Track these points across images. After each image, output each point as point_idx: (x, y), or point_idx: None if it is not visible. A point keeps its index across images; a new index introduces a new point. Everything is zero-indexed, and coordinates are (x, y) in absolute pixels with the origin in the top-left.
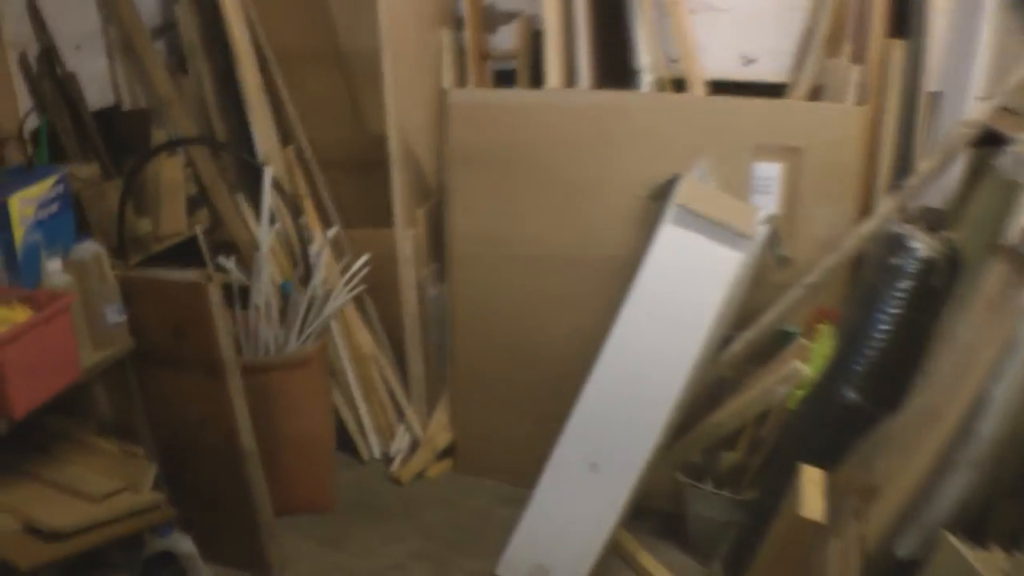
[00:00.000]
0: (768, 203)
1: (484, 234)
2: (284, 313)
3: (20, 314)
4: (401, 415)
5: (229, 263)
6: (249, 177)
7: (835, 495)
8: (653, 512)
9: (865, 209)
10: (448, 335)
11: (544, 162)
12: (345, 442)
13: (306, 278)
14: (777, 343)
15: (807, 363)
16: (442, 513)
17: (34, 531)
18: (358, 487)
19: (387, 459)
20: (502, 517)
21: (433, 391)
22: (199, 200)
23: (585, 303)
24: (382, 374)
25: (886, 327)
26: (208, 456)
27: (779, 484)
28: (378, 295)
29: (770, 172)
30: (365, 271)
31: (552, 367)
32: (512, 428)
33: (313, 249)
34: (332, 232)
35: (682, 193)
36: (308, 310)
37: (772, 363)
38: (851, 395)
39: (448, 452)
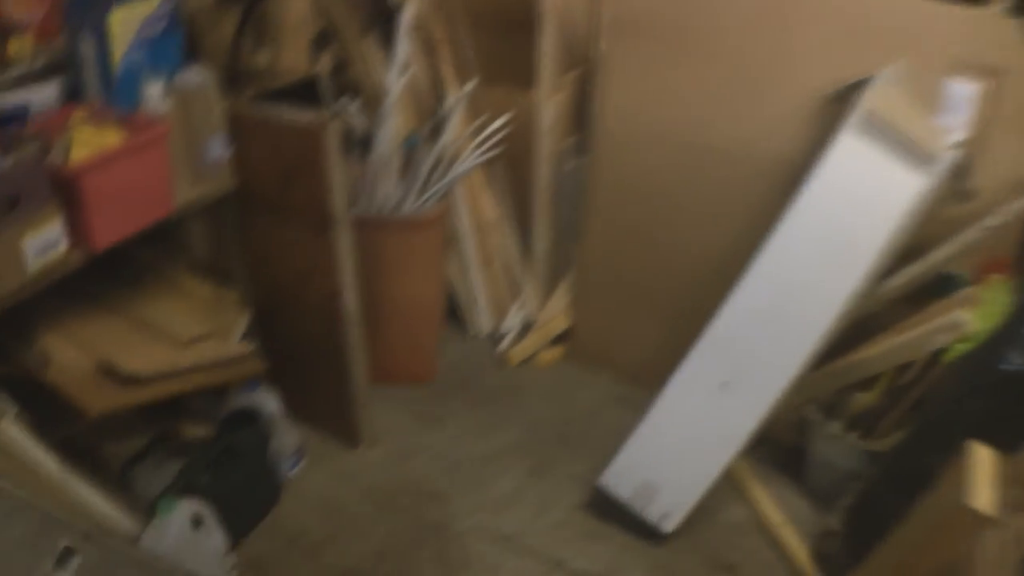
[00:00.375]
0: (957, 126)
1: (638, 112)
2: (406, 169)
3: (112, 137)
4: (517, 292)
5: (352, 107)
6: (383, 18)
7: (1004, 483)
8: (774, 442)
9: None
10: (581, 215)
11: (716, 39)
12: (455, 311)
13: (434, 135)
14: (939, 287)
15: (973, 315)
16: (548, 405)
17: (109, 372)
18: (462, 364)
19: (496, 338)
20: (612, 418)
21: (555, 272)
22: (325, 38)
23: (738, 203)
24: (503, 245)
25: None
26: (307, 313)
27: (921, 446)
28: (510, 162)
29: (965, 92)
30: (501, 135)
31: (691, 267)
32: (636, 323)
33: (446, 104)
34: (469, 87)
35: (871, 98)
36: (433, 170)
37: (932, 308)
38: (1020, 363)
39: (562, 339)
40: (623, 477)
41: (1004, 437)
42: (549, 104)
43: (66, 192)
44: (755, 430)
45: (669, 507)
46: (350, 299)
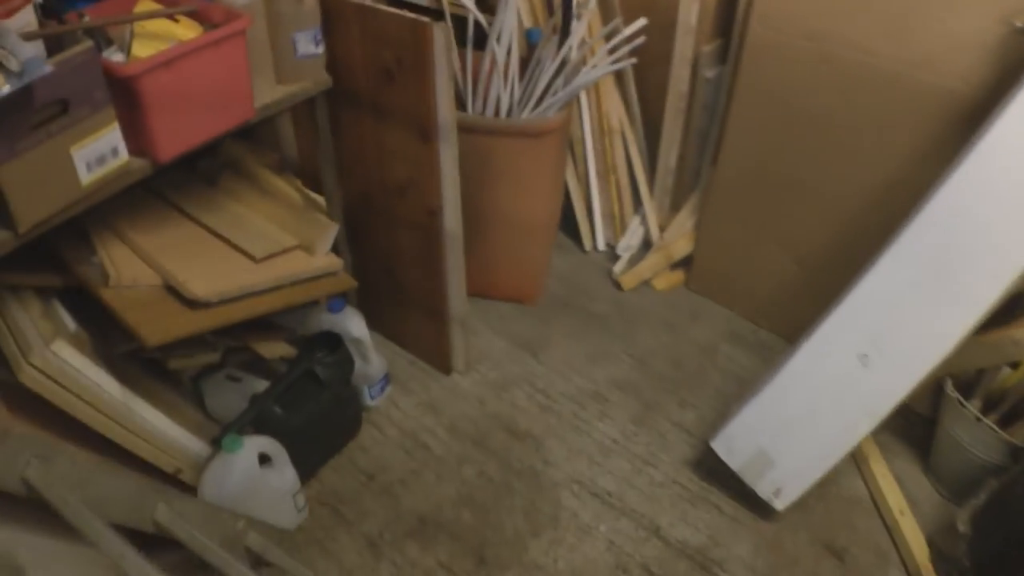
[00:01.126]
0: None
1: (794, 20)
2: (525, 68)
3: (184, 30)
4: (639, 207)
5: None
6: None
7: None
8: (905, 410)
9: None
10: (718, 130)
11: None
12: (568, 224)
13: (562, 33)
14: None
15: None
16: (661, 337)
17: (176, 292)
18: (572, 282)
19: (612, 255)
20: (728, 357)
21: (682, 190)
22: None
23: (900, 140)
24: (627, 155)
25: None
26: (402, 228)
27: None
28: (642, 64)
29: None
30: (638, 42)
31: (836, 206)
32: (765, 257)
33: None
34: None
35: None
36: (556, 74)
37: None
38: None
39: (683, 264)
40: (737, 443)
41: None
42: (693, 1)
43: (126, 96)
44: (891, 411)
45: (783, 484)
46: (451, 217)
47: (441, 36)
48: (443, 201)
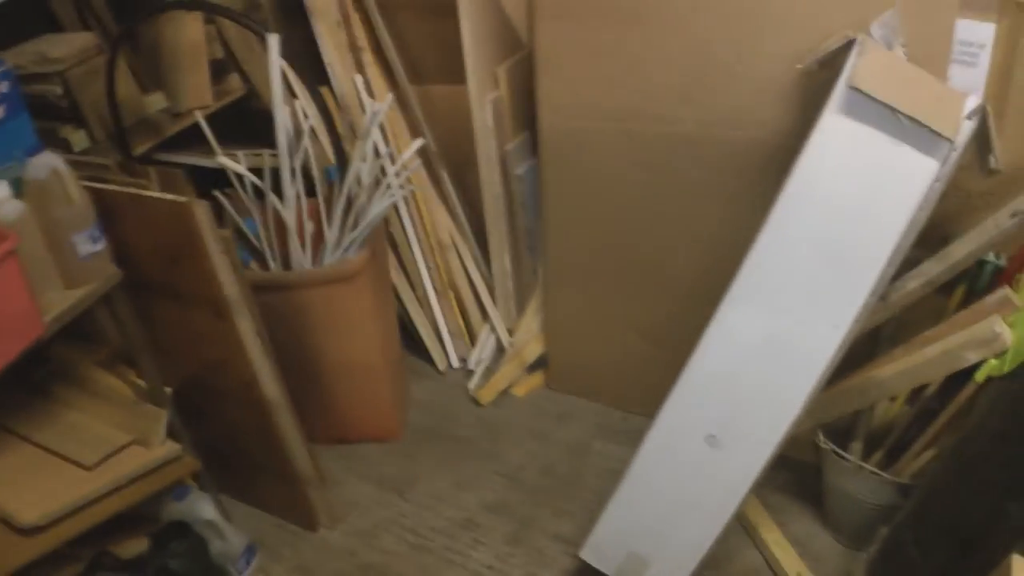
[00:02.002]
0: (971, 80)
1: (584, 105)
2: (329, 210)
3: None
4: (485, 318)
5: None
6: (293, 21)
7: None
8: (792, 463)
9: None
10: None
11: (669, 10)
12: (420, 349)
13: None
14: (970, 275)
15: (1010, 324)
16: (528, 447)
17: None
18: (433, 407)
19: (468, 371)
20: (601, 455)
21: (524, 291)
22: (227, 63)
23: (716, 199)
24: (463, 267)
25: None
26: (230, 402)
27: (956, 491)
28: (457, 171)
29: (979, 35)
30: (412, 167)
31: (668, 274)
32: (617, 342)
33: (363, 124)
34: (383, 106)
35: (858, 68)
36: (347, 210)
37: (960, 315)
38: None
39: (540, 364)
40: (606, 549)
41: None
42: (484, 101)
43: None
44: (752, 487)
45: None
46: (269, 386)
47: (203, 214)
48: (255, 372)
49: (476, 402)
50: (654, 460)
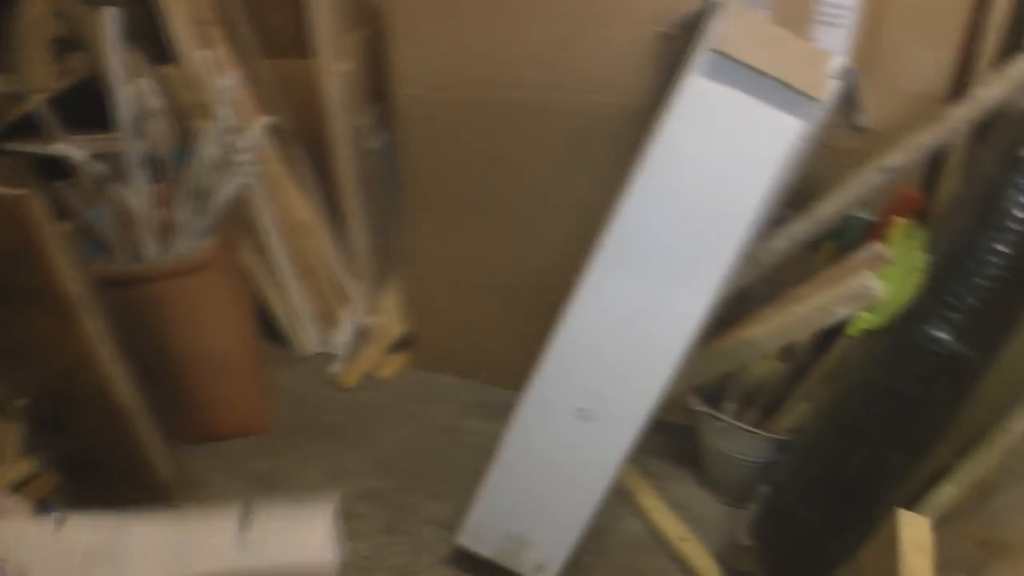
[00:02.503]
0: (837, 40)
1: (437, 74)
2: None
3: None
4: (347, 299)
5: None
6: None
7: (944, 548)
8: (667, 428)
9: (969, 57)
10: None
11: None
12: (281, 336)
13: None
14: (840, 232)
15: (882, 278)
16: (399, 430)
17: None
18: (300, 396)
19: (332, 354)
20: (473, 433)
21: (384, 269)
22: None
23: (578, 168)
24: (320, 248)
25: (1005, 247)
26: (88, 408)
27: (832, 443)
28: (317, 148)
29: None
30: (255, 148)
31: (534, 245)
32: (482, 316)
33: (215, 93)
34: (227, 82)
35: (723, 31)
36: (197, 196)
37: (831, 271)
38: (943, 337)
39: (405, 344)
40: (483, 533)
41: (926, 426)
42: (334, 74)
43: None
44: (627, 458)
45: (544, 558)
46: (123, 391)
47: (40, 209)
48: (107, 375)
49: (342, 387)
50: (525, 438)
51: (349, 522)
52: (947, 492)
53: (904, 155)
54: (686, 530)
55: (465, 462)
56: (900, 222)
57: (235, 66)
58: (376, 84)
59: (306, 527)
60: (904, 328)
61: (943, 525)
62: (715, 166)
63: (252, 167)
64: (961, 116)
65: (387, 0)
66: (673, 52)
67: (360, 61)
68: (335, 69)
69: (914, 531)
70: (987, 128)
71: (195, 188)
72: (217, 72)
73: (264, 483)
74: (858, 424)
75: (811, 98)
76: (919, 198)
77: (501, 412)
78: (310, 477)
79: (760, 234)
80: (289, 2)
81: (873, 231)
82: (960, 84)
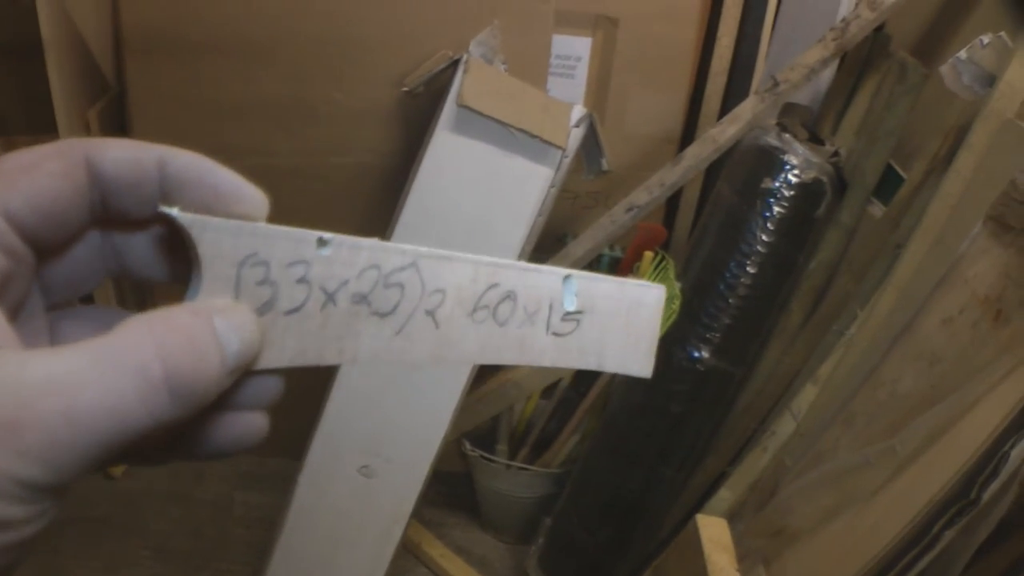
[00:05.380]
0: (572, 90)
1: (181, 141)
2: None
3: None
4: None
5: None
6: None
7: (739, 545)
8: (443, 478)
9: (695, 99)
10: None
11: (250, 42)
12: None
13: None
14: (599, 271)
15: None
16: (172, 513)
17: None
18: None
19: None
20: (245, 506)
21: None
22: None
23: (338, 229)
24: None
25: (752, 269)
26: None
27: (610, 468)
28: None
29: (575, 49)
30: None
31: None
32: None
33: None
34: None
35: (465, 86)
36: None
37: None
38: (702, 355)
39: None
40: None
41: (694, 441)
42: None
43: None
44: (415, 510)
45: None
46: None
47: None
48: None
49: (107, 475)
50: (310, 503)
51: None
52: (724, 497)
53: (648, 194)
54: (475, 573)
55: (243, 536)
56: (648, 255)
57: None
58: None
59: None
60: (666, 351)
61: (734, 526)
62: (470, 217)
63: None
64: (698, 155)
65: (121, 71)
66: (421, 109)
67: (102, 133)
68: None
69: (714, 531)
70: (720, 164)
71: None
72: None
73: None
74: (630, 446)
75: (555, 146)
76: (663, 231)
77: (270, 482)
78: (86, 574)
79: None
80: (21, 75)
81: (622, 266)
82: (691, 125)
